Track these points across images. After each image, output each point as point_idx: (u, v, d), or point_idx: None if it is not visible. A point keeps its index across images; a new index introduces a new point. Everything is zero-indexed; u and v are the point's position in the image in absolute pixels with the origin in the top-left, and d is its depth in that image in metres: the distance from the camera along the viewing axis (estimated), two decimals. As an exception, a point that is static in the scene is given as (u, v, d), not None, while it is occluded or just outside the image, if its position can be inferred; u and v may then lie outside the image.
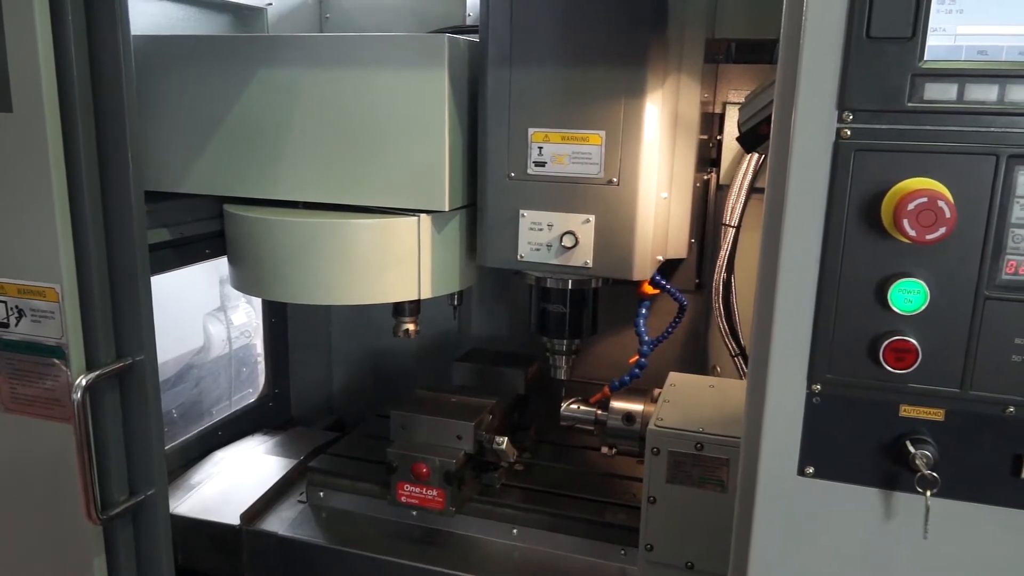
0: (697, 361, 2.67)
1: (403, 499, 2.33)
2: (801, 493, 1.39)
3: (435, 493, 2.30)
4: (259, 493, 2.54)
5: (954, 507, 1.33)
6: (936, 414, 1.31)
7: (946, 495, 1.31)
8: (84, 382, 1.75)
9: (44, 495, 1.91)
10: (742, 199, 2.33)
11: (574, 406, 2.30)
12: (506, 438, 2.36)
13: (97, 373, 1.77)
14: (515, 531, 2.35)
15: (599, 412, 2.25)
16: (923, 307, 1.26)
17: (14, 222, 1.75)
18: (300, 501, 2.56)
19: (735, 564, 1.52)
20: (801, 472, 1.39)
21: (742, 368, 2.41)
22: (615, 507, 2.35)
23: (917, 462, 1.28)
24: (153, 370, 1.86)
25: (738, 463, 1.82)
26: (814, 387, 1.35)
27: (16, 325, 1.81)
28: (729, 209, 2.35)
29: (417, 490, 2.31)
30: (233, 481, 2.66)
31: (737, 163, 2.37)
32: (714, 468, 1.88)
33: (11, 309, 1.81)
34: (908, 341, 1.27)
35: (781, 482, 1.40)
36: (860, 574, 1.41)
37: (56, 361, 1.80)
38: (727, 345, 2.43)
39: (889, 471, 1.34)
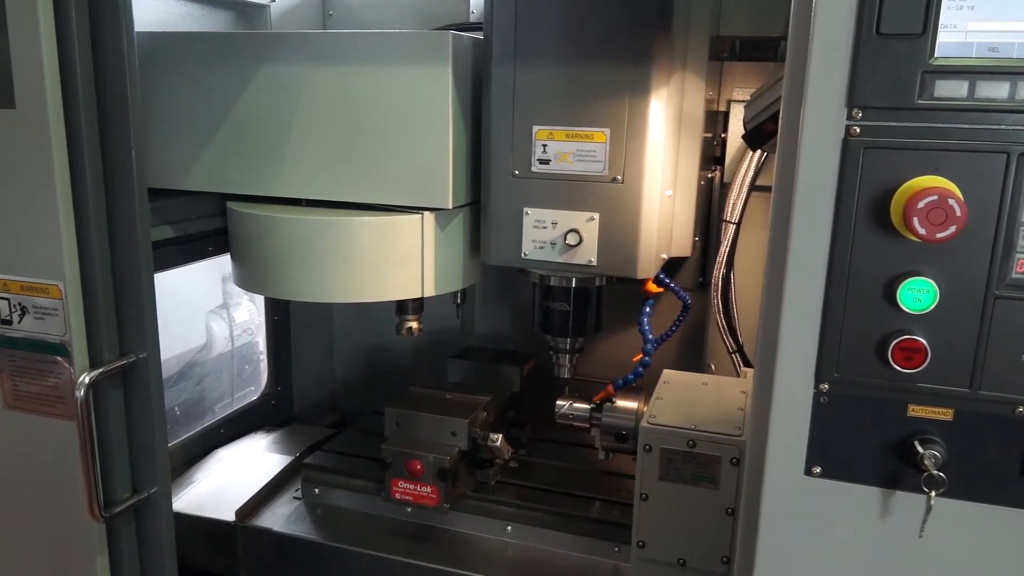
0: (699, 359, 2.66)
1: (397, 496, 2.34)
2: (808, 493, 1.39)
3: (429, 490, 2.30)
4: (255, 490, 2.54)
5: (962, 507, 1.33)
6: (945, 414, 1.31)
7: (954, 495, 1.31)
8: (87, 380, 1.74)
9: (47, 493, 1.91)
10: (743, 196, 2.33)
11: (569, 404, 2.30)
12: (500, 435, 2.36)
13: (100, 371, 1.77)
14: (509, 528, 2.35)
15: (594, 411, 2.25)
16: (932, 306, 1.26)
17: (17, 219, 1.75)
18: (295, 498, 2.56)
19: (741, 563, 1.52)
20: (808, 472, 1.38)
21: (739, 365, 2.41)
22: (609, 504, 2.36)
23: (925, 462, 1.28)
24: (156, 367, 1.85)
25: (730, 460, 1.84)
26: (822, 386, 1.34)
27: (19, 322, 1.81)
28: (730, 206, 2.35)
29: (411, 487, 2.31)
30: (230, 478, 2.66)
31: (739, 160, 2.37)
32: (706, 465, 1.88)
33: (14, 306, 1.80)
34: (917, 340, 1.27)
35: (788, 482, 1.40)
36: (867, 574, 1.40)
37: (59, 358, 1.79)
38: (724, 342, 2.43)
39: (897, 471, 1.34)
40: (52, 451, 1.86)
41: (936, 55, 1.21)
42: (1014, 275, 1.24)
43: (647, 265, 2.03)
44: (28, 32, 1.62)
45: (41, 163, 1.68)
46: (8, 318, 1.82)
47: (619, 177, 1.96)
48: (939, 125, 1.22)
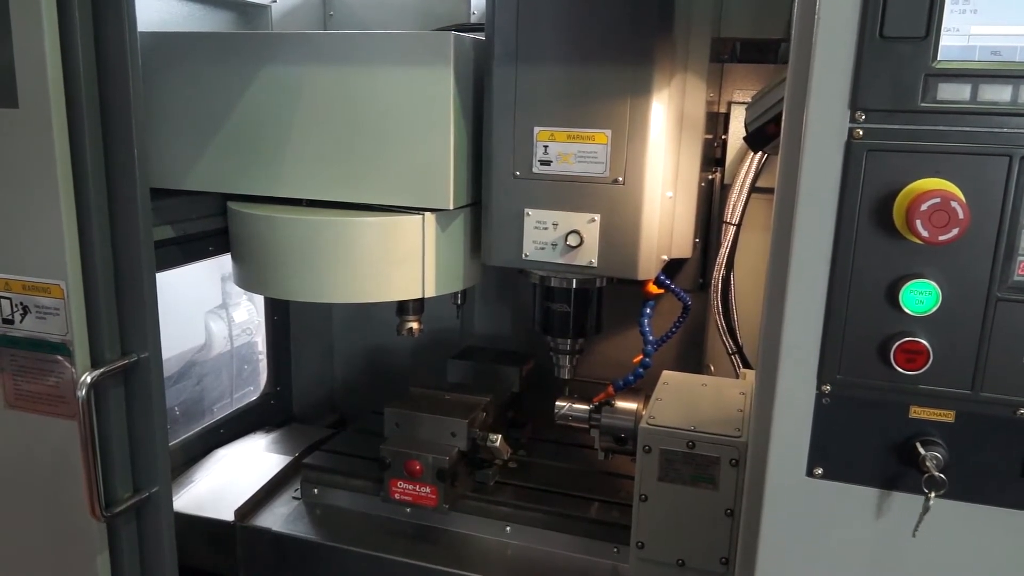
0: (698, 360, 2.67)
1: (396, 496, 2.34)
2: (810, 494, 1.40)
3: (428, 490, 2.30)
4: (254, 490, 2.54)
5: (963, 509, 1.33)
6: (946, 416, 1.31)
7: (955, 497, 1.32)
8: (89, 379, 1.74)
9: (48, 492, 1.91)
10: (743, 197, 2.34)
11: (568, 405, 2.30)
12: (500, 435, 2.36)
13: (102, 370, 1.77)
14: (508, 528, 2.35)
15: (593, 412, 2.25)
16: (934, 308, 1.26)
17: (19, 218, 1.75)
18: (295, 497, 2.56)
19: (742, 564, 1.52)
20: (810, 473, 1.39)
21: (738, 366, 2.42)
22: (608, 505, 2.36)
23: (927, 464, 1.28)
24: (158, 367, 1.85)
25: (729, 461, 1.84)
26: (824, 388, 1.35)
27: (21, 321, 1.81)
28: (730, 207, 2.35)
29: (410, 487, 2.31)
30: (229, 478, 2.66)
31: (739, 161, 2.37)
32: (705, 466, 1.88)
33: (16, 305, 1.80)
34: (919, 342, 1.27)
35: (790, 483, 1.40)
36: (868, 575, 1.41)
37: (61, 358, 1.79)
38: (724, 343, 2.43)
39: (899, 472, 1.35)
40: (53, 450, 1.86)
41: (939, 58, 1.21)
42: (1016, 277, 1.24)
43: (648, 266, 2.04)
44: (31, 32, 1.62)
45: (44, 163, 1.68)
46: (10, 317, 1.82)
47: (620, 178, 1.97)
48: (942, 128, 1.23)
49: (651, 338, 2.24)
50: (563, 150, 1.99)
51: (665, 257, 2.14)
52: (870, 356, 1.31)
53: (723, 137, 2.43)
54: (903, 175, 1.24)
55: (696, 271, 2.54)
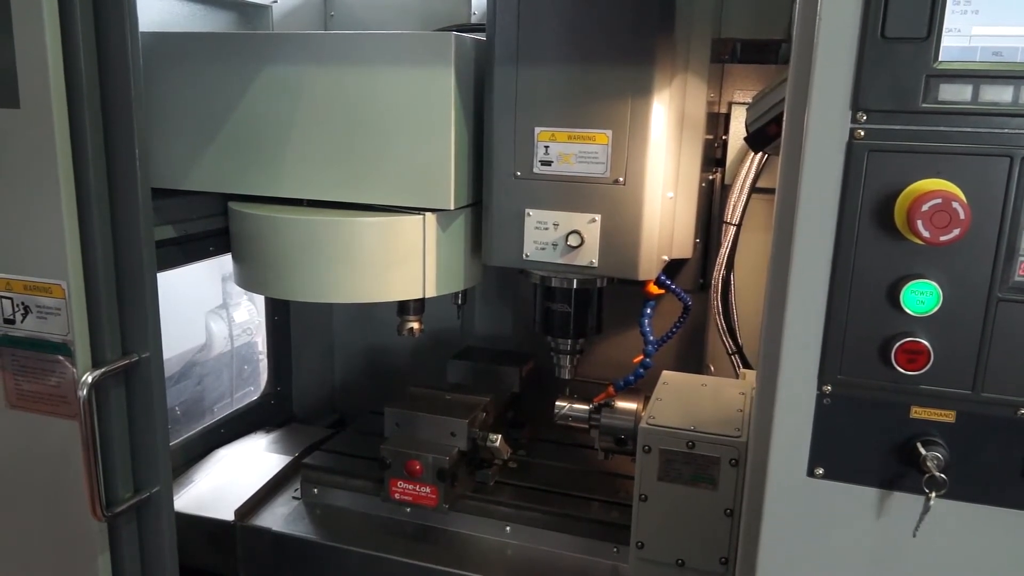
0: (698, 360, 2.67)
1: (396, 496, 2.34)
2: (810, 494, 1.40)
3: (428, 490, 2.30)
4: (254, 489, 2.55)
5: (964, 509, 1.34)
6: (947, 416, 1.32)
7: (956, 497, 1.32)
8: (90, 379, 1.74)
9: (49, 492, 1.91)
10: (744, 198, 2.34)
11: (568, 405, 2.30)
12: (500, 435, 2.37)
13: (103, 370, 1.77)
14: (508, 528, 2.36)
15: (593, 412, 2.26)
16: (935, 308, 1.26)
17: (21, 218, 1.75)
18: (295, 497, 2.57)
19: (743, 565, 1.52)
20: (811, 473, 1.39)
21: (738, 366, 2.42)
22: (608, 505, 2.36)
23: (928, 464, 1.29)
24: (159, 367, 1.86)
25: (729, 461, 1.85)
26: (825, 388, 1.35)
27: (22, 321, 1.81)
28: (731, 207, 2.35)
29: (410, 487, 2.32)
30: (229, 478, 2.66)
31: (740, 162, 2.37)
32: (705, 466, 1.88)
33: (17, 305, 1.80)
34: (920, 343, 1.27)
35: (790, 483, 1.40)
36: (869, 575, 1.41)
37: (62, 358, 1.79)
38: (724, 343, 2.44)
39: (899, 473, 1.35)
40: (54, 450, 1.86)
41: (940, 59, 1.21)
42: (1017, 278, 1.25)
43: (648, 267, 2.04)
44: (33, 32, 1.62)
45: (45, 163, 1.68)
46: (11, 317, 1.82)
47: (621, 179, 1.97)
48: (943, 128, 1.23)
49: (651, 338, 2.24)
50: (564, 150, 2.00)
51: (665, 257, 2.14)
52: (871, 356, 1.31)
53: (724, 137, 2.44)
54: (904, 175, 1.24)
55: (696, 271, 2.54)
